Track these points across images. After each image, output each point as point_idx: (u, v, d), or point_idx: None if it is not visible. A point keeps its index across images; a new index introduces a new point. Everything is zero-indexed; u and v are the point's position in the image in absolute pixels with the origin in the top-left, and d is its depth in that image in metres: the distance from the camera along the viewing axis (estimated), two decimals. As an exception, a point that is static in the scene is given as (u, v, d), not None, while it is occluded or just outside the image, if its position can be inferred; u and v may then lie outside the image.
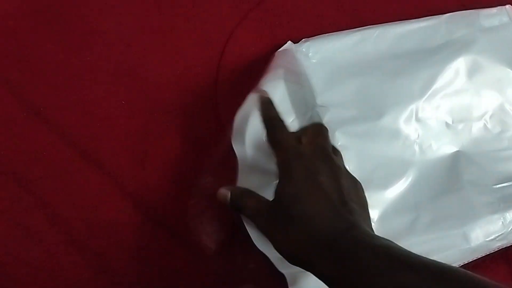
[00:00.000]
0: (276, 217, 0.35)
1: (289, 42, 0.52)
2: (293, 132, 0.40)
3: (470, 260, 0.46)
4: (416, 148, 0.49)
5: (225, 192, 0.40)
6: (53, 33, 0.51)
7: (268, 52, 0.53)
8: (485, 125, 0.51)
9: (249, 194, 0.39)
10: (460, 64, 0.52)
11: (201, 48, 0.53)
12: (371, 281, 0.29)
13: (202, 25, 0.53)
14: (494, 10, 0.55)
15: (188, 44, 0.53)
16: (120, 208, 0.47)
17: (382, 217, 0.46)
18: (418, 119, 0.50)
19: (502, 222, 0.47)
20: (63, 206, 0.47)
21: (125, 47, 0.51)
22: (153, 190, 0.48)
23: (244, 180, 0.44)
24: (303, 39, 0.52)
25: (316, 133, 0.39)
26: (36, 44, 0.50)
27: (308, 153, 0.37)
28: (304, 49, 0.51)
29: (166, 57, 0.52)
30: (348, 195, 0.35)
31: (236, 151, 0.45)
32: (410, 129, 0.49)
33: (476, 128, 0.51)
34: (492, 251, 0.47)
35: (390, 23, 0.54)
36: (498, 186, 0.49)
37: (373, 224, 0.40)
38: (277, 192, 0.36)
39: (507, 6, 0.56)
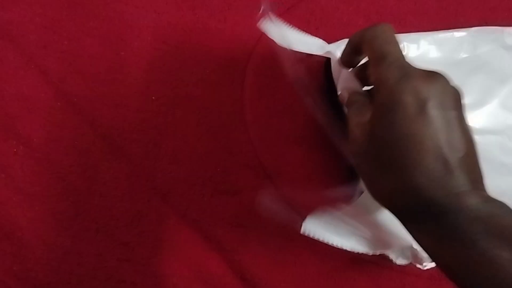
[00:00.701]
0: (374, 159, 0.30)
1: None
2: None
3: None
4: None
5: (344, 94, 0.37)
6: (91, 27, 0.52)
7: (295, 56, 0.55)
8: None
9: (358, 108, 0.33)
10: (479, 79, 0.53)
11: (231, 49, 0.54)
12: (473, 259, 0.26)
13: (233, 26, 0.55)
14: (518, 28, 0.56)
15: (219, 45, 0.54)
16: (146, 200, 0.49)
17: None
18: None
19: None
20: (91, 195, 0.48)
21: (159, 44, 0.53)
22: (179, 183, 0.50)
23: None
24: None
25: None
26: (74, 36, 0.52)
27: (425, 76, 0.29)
28: None
29: (197, 55, 0.53)
30: (462, 141, 0.28)
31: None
32: None
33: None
34: None
35: (418, 32, 0.55)
36: None
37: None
38: (375, 130, 0.30)
39: (532, 25, 0.57)
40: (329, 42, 0.55)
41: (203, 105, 0.52)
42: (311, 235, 0.41)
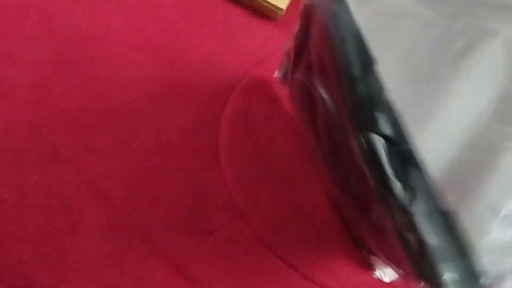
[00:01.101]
0: None
1: None
2: None
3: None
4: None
5: None
6: (78, 83, 0.57)
7: (267, 105, 0.60)
8: None
9: None
10: None
11: (208, 99, 0.59)
12: None
13: (210, 79, 0.60)
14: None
15: (197, 96, 0.59)
16: (127, 241, 0.52)
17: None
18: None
19: None
20: (75, 237, 0.52)
21: (140, 97, 0.58)
22: (158, 224, 0.53)
23: None
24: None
25: None
26: (62, 91, 0.57)
27: None
28: None
29: (176, 106, 0.58)
30: None
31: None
32: None
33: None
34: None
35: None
36: None
37: None
38: None
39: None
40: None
41: (181, 151, 0.57)
42: None
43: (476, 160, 0.35)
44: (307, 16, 0.44)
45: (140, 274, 0.51)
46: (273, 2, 0.62)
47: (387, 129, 0.36)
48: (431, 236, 0.34)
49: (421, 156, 0.35)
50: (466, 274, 0.33)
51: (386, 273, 0.52)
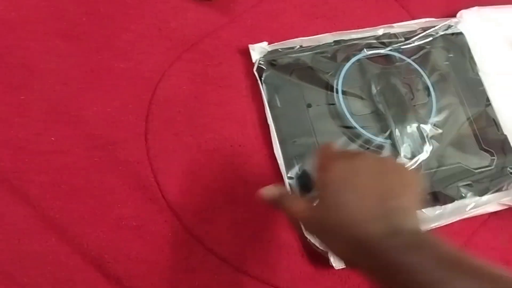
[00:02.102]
0: (321, 225, 0.35)
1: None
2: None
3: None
4: None
5: (271, 191, 0.41)
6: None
7: (199, 90, 0.56)
8: None
9: (297, 198, 0.40)
10: None
11: (135, 86, 0.55)
12: None
13: (136, 65, 0.56)
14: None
15: (123, 83, 0.55)
16: (44, 240, 0.48)
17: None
18: None
19: None
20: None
21: (60, 86, 0.54)
22: (80, 222, 0.49)
23: None
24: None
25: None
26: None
27: (348, 155, 0.37)
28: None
29: (101, 94, 0.54)
30: (391, 191, 0.34)
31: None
32: None
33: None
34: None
35: None
36: None
37: None
38: (318, 203, 0.36)
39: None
40: (229, 74, 0.57)
41: (107, 142, 0.53)
42: None
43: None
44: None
45: (59, 276, 0.48)
46: (204, -19, 0.58)
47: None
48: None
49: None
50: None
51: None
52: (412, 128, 0.54)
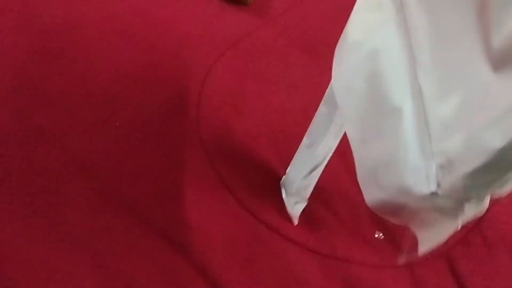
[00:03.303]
0: None
1: None
2: None
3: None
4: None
5: None
6: (58, 65, 0.60)
7: (242, 83, 0.63)
8: None
9: None
10: None
11: (185, 80, 0.62)
12: None
13: (185, 60, 0.63)
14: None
15: (174, 77, 0.62)
16: (114, 212, 0.54)
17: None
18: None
19: None
20: (64, 211, 0.53)
21: (121, 79, 0.60)
22: (144, 196, 0.55)
23: None
24: None
25: None
26: (44, 74, 0.59)
27: None
28: None
29: (155, 86, 0.61)
30: None
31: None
32: None
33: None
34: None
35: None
36: None
37: None
38: None
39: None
40: (272, 71, 0.64)
41: (161, 127, 0.59)
42: None
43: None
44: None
45: (128, 243, 0.53)
46: (243, -12, 0.66)
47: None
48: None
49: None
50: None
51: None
52: None
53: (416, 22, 0.40)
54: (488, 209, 0.60)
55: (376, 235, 0.58)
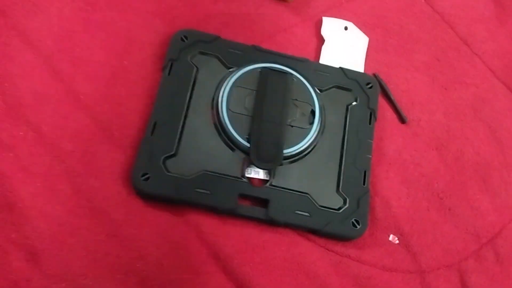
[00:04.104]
0: None
1: None
2: None
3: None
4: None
5: None
6: (100, 38, 0.61)
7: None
8: None
9: None
10: None
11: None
12: None
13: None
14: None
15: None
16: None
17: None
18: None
19: None
20: (88, 177, 0.55)
21: (157, 59, 0.62)
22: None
23: None
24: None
25: None
26: (85, 45, 0.61)
27: None
28: None
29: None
30: None
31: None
32: None
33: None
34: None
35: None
36: None
37: None
38: None
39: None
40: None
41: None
42: None
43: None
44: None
45: (145, 217, 0.54)
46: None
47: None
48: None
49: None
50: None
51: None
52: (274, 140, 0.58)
53: None
54: (503, 227, 0.60)
55: (391, 238, 0.58)
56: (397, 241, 0.58)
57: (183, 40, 0.62)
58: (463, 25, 0.74)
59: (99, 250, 0.52)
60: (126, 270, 0.52)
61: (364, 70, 0.67)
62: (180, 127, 0.57)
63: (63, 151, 0.55)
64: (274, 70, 0.62)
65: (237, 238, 0.55)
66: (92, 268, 0.51)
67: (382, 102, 0.66)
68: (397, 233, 0.58)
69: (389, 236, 0.58)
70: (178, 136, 0.57)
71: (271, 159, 0.57)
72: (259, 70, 0.61)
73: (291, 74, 0.62)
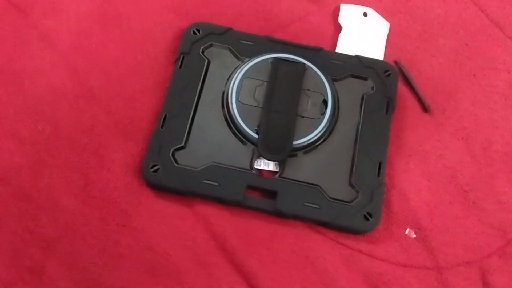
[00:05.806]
0: None
1: None
2: None
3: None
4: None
5: None
6: (115, 34, 0.63)
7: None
8: None
9: None
10: None
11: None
12: None
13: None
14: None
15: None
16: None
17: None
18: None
19: None
20: (101, 169, 0.56)
21: (171, 53, 0.63)
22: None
23: None
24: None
25: None
26: (101, 41, 0.63)
27: None
28: None
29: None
30: None
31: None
32: None
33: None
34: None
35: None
36: None
37: None
38: None
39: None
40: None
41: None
42: None
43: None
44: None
45: (154, 206, 0.55)
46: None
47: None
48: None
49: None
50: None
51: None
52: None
53: None
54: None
55: (407, 232, 0.55)
56: (414, 236, 0.55)
57: (195, 33, 0.62)
58: (494, 7, 0.68)
59: (109, 239, 0.54)
60: (134, 259, 0.53)
61: (385, 58, 0.64)
62: (190, 119, 0.58)
63: (78, 145, 0.57)
64: (285, 60, 0.61)
65: (245, 230, 0.55)
66: (102, 256, 0.53)
67: (403, 90, 0.63)
68: (415, 227, 0.55)
69: (405, 230, 0.55)
70: (187, 128, 0.57)
71: (279, 151, 0.56)
72: (271, 60, 0.61)
73: (303, 63, 0.61)
